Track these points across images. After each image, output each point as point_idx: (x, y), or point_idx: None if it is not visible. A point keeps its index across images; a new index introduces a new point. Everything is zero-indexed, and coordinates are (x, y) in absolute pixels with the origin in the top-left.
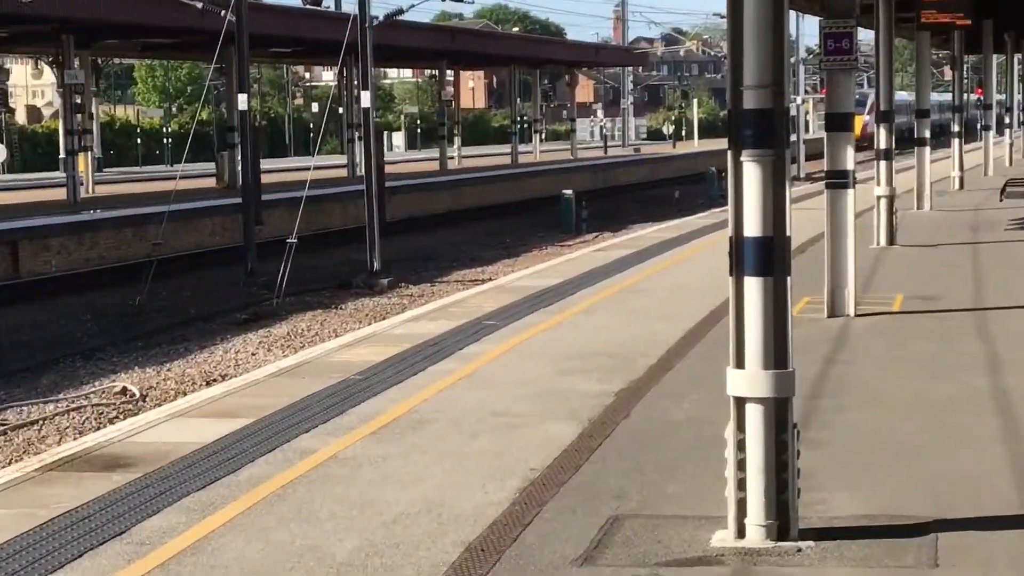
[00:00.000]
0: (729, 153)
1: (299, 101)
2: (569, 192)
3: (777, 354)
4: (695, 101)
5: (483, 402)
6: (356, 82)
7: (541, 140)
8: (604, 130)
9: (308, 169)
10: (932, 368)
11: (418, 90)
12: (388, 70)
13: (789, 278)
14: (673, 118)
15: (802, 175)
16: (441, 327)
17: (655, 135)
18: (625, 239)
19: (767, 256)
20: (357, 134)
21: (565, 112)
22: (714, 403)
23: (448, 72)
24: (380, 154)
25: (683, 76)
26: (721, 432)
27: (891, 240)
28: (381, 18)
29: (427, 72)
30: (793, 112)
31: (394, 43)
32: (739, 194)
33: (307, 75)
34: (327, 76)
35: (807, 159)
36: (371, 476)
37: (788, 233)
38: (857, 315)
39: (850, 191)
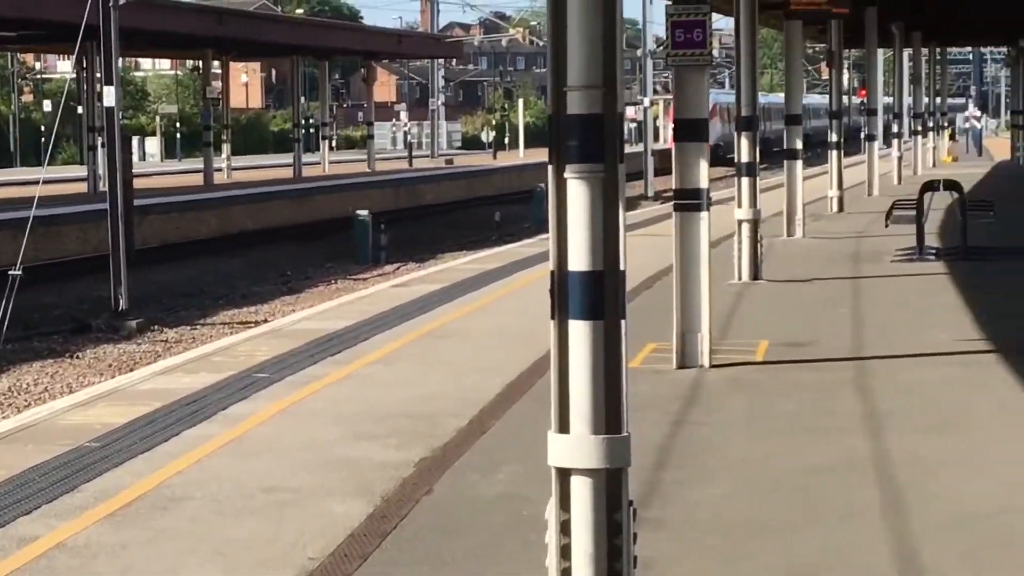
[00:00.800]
0: (550, 168)
1: (28, 98)
2: (364, 213)
3: (609, 415)
4: (520, 102)
5: (252, 475)
6: (98, 75)
7: (331, 148)
8: (409, 137)
9: (37, 183)
10: (801, 430)
11: (178, 85)
12: (141, 60)
13: (624, 321)
14: (494, 122)
15: (650, 193)
16: (202, 381)
17: (472, 143)
18: (433, 271)
19: (596, 295)
20: (100, 139)
21: (361, 114)
22: (535, 475)
23: (215, 63)
24: (128, 164)
25: (506, 71)
26: (543, 511)
27: (755, 274)
28: None
29: (189, 63)
30: (638, 117)
31: (147, 26)
32: (562, 219)
33: (38, 65)
34: (63, 67)
35: (656, 174)
36: (107, 569)
37: (623, 267)
38: (713, 366)
39: (704, 214)
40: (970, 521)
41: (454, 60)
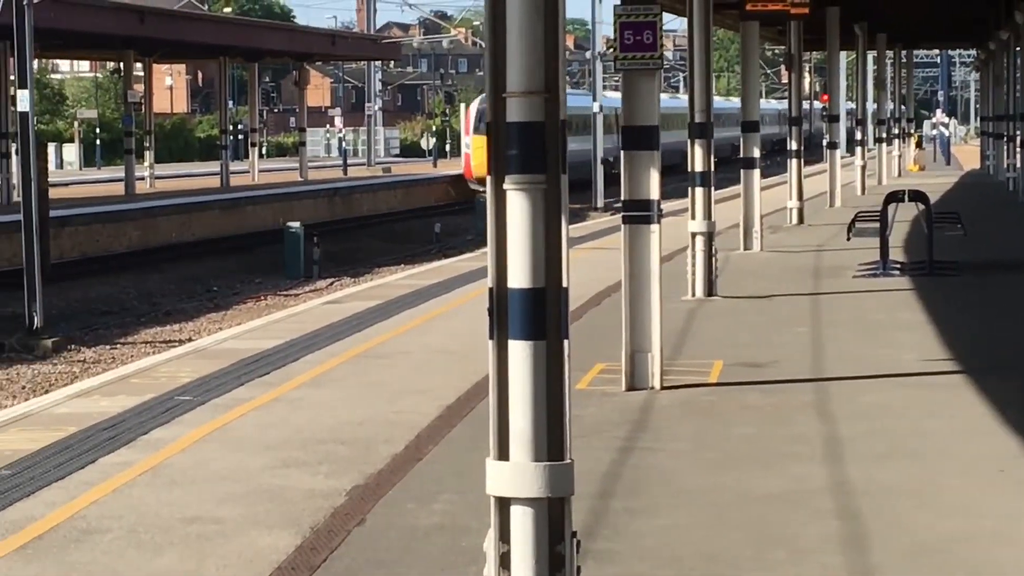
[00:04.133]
0: (489, 179)
1: None
2: (296, 225)
3: (551, 441)
4: (463, 107)
5: (172, 505)
6: (12, 77)
7: (261, 156)
8: (344, 143)
9: None
10: (756, 456)
11: (98, 89)
12: (58, 62)
13: (567, 342)
14: (434, 128)
15: (600, 204)
16: (120, 404)
17: (411, 150)
18: (369, 287)
19: (538, 314)
20: (14, 146)
21: (293, 120)
22: (475, 504)
23: (137, 65)
24: (44, 173)
25: (447, 74)
26: (482, 542)
27: (709, 290)
28: None
29: (109, 65)
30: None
31: (64, 26)
32: (501, 233)
33: None
34: None
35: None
36: None
37: (566, 283)
38: (664, 387)
39: (654, 227)
40: (931, 552)
41: (392, 62)
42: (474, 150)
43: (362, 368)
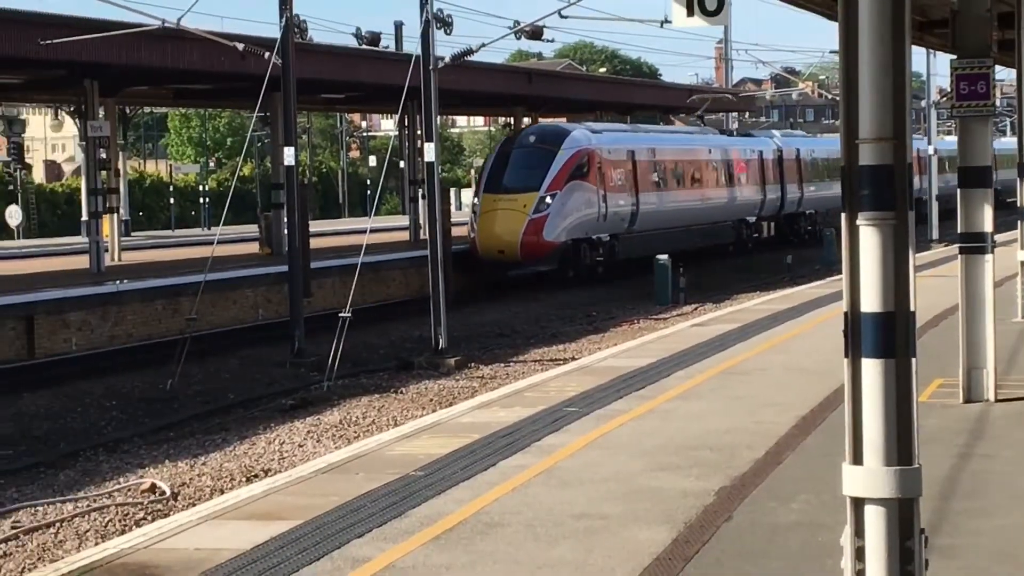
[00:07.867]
0: (843, 216)
1: (355, 154)
2: (664, 257)
3: (901, 448)
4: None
5: (563, 502)
6: (419, 131)
7: None
8: None
9: (364, 232)
10: None
11: (491, 140)
12: (456, 117)
13: (914, 359)
14: None
15: (935, 235)
16: (515, 415)
17: None
18: (728, 312)
19: (888, 335)
20: (421, 191)
21: None
22: (829, 504)
23: (525, 119)
24: (446, 214)
25: (796, 123)
26: (837, 538)
27: None
28: (447, 59)
29: (501, 120)
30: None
31: (463, 87)
32: (855, 263)
33: (364, 124)
34: (387, 125)
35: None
36: None
37: (912, 308)
38: (998, 400)
39: (988, 256)
40: None
41: (747, 113)
42: (482, 215)
43: (725, 383)
